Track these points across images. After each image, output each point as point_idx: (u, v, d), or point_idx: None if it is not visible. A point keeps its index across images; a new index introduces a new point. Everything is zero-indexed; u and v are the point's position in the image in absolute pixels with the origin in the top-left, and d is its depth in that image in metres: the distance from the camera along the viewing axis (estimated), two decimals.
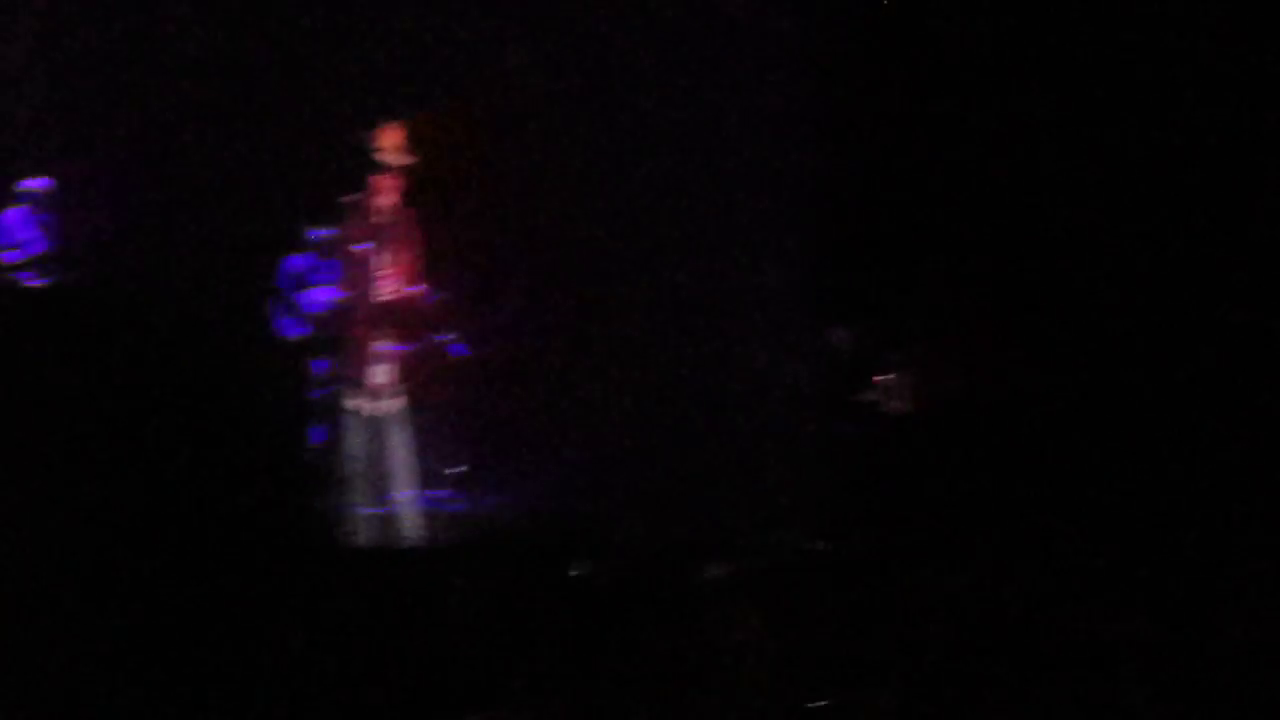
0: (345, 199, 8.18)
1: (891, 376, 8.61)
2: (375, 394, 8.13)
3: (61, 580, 3.12)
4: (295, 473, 4.40)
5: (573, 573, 5.17)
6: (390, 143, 8.16)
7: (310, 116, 9.06)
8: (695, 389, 9.38)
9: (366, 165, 8.15)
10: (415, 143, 8.24)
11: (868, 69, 8.75)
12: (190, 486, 3.43)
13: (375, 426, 8.14)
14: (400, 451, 8.18)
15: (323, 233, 8.73)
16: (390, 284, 8.16)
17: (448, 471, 9.08)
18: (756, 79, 9.03)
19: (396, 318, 8.22)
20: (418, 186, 8.28)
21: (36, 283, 8.70)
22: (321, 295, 8.59)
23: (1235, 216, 6.84)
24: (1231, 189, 7.14)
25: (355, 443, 8.12)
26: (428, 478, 8.79)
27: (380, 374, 8.14)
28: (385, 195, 8.12)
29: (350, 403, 8.13)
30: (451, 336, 8.78)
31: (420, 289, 8.31)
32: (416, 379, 8.42)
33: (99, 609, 3.11)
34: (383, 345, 8.16)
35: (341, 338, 8.25)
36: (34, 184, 8.96)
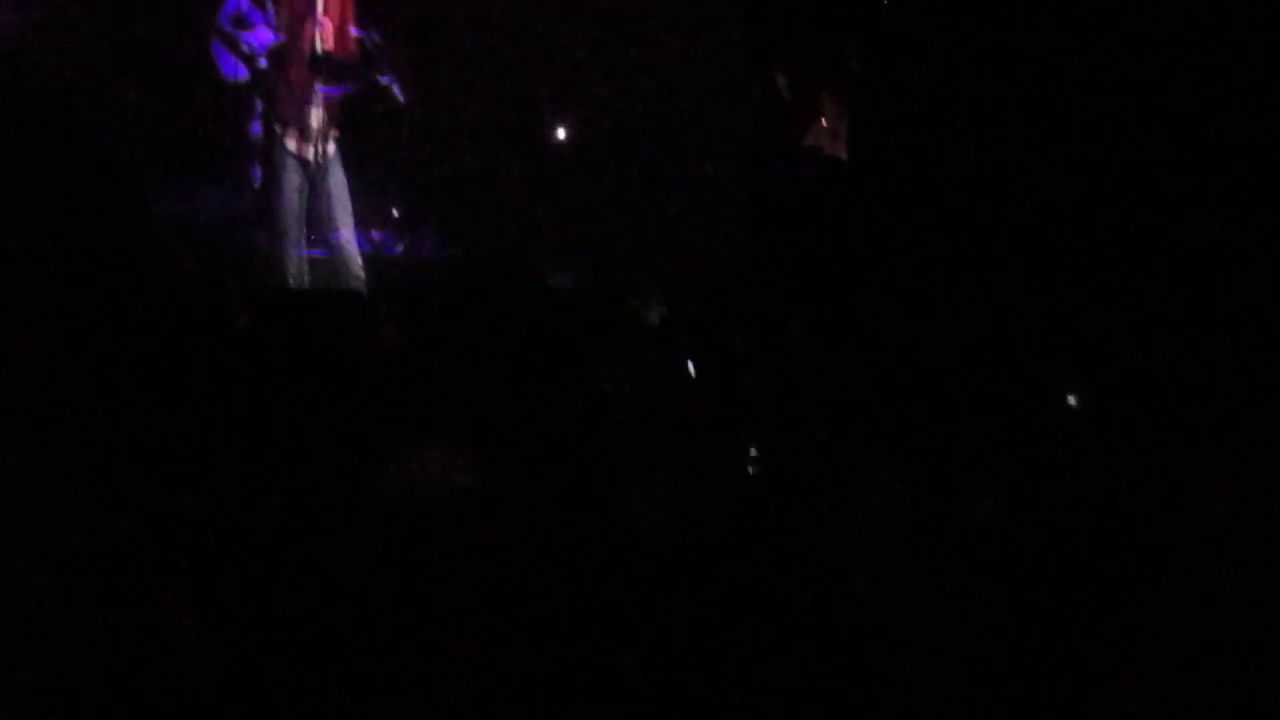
0: None
1: None
2: (311, 136, 8.06)
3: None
4: None
5: None
6: None
7: None
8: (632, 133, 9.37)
9: None
10: None
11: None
12: None
13: (310, 168, 8.09)
14: (336, 193, 8.14)
15: None
16: (328, 26, 8.05)
17: (385, 215, 9.04)
18: None
19: (334, 60, 8.10)
20: None
21: None
22: (260, 36, 8.43)
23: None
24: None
25: (291, 184, 8.06)
26: (366, 221, 8.75)
27: (316, 116, 8.07)
28: None
29: (286, 144, 8.05)
30: (390, 79, 8.66)
31: (358, 31, 8.19)
32: (353, 121, 8.34)
33: None
34: (320, 87, 8.07)
35: (279, 79, 8.12)
36: None
